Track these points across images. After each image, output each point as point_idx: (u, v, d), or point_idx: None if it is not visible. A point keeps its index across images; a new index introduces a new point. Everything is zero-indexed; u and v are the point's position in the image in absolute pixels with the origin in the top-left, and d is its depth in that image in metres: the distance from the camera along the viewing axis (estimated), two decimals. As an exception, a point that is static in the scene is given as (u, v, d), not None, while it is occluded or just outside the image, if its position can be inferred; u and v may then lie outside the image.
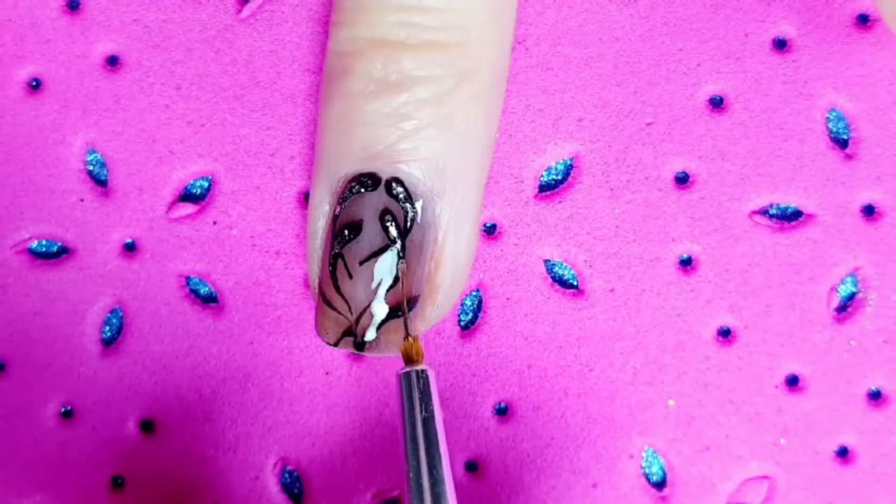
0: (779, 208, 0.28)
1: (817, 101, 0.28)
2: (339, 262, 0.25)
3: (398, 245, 0.25)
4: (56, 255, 0.29)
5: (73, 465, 0.29)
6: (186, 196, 0.29)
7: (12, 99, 0.29)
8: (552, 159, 0.29)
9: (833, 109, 0.28)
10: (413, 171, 0.25)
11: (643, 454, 0.29)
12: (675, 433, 0.28)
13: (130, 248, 0.29)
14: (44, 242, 0.29)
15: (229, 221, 0.29)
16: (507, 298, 0.29)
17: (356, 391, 0.29)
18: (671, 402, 0.28)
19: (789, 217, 0.28)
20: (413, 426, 0.24)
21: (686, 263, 0.29)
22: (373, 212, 0.25)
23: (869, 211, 0.28)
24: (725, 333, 0.29)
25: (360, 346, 0.25)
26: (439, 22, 0.24)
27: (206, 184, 0.29)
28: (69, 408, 0.29)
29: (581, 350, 0.29)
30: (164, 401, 0.29)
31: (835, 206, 0.28)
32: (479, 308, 0.29)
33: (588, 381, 0.29)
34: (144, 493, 0.29)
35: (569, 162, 0.29)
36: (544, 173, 0.29)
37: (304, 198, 0.29)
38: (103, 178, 0.29)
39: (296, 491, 0.29)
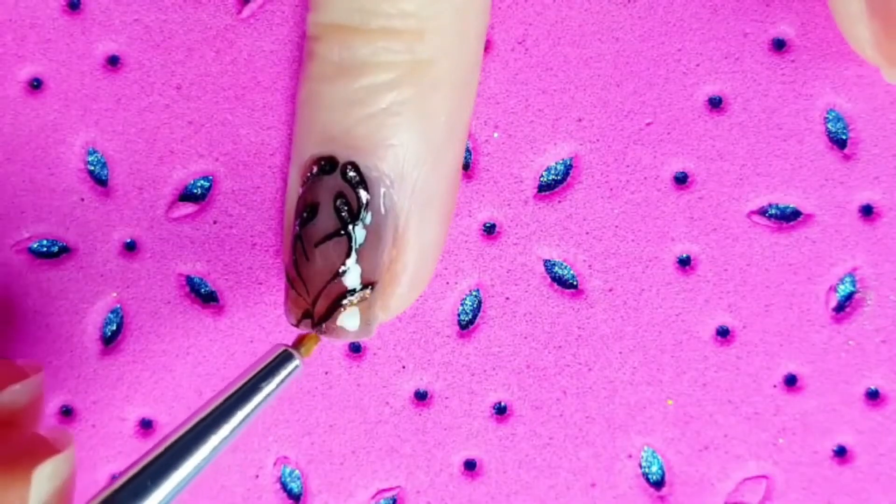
0: (777, 208, 0.29)
1: (816, 102, 0.28)
2: (298, 243, 0.25)
3: (350, 229, 0.25)
4: (56, 254, 0.29)
5: (73, 464, 0.29)
6: (187, 196, 0.29)
7: (13, 99, 0.29)
8: (552, 159, 0.29)
9: (832, 109, 0.28)
10: (367, 157, 0.25)
11: (642, 453, 0.29)
12: (673, 432, 0.29)
13: (131, 248, 0.29)
14: (44, 242, 0.29)
15: (229, 221, 0.29)
16: (507, 298, 0.29)
17: (355, 391, 0.29)
18: (670, 402, 0.29)
19: (788, 217, 0.29)
20: (251, 388, 0.24)
21: (685, 263, 0.29)
22: (328, 195, 0.25)
23: (867, 211, 0.28)
24: (724, 333, 0.29)
25: (318, 328, 0.25)
26: (396, 9, 0.24)
27: (206, 184, 0.29)
28: (69, 407, 0.29)
29: (580, 349, 0.29)
30: (163, 400, 0.29)
31: (833, 206, 0.28)
32: (478, 308, 0.29)
33: (587, 380, 0.29)
34: (144, 491, 0.29)
35: (568, 162, 0.29)
36: (544, 173, 0.29)
37: (304, 197, 0.29)
38: (104, 177, 0.29)
39: (295, 490, 0.29)
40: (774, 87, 0.28)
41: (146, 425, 0.29)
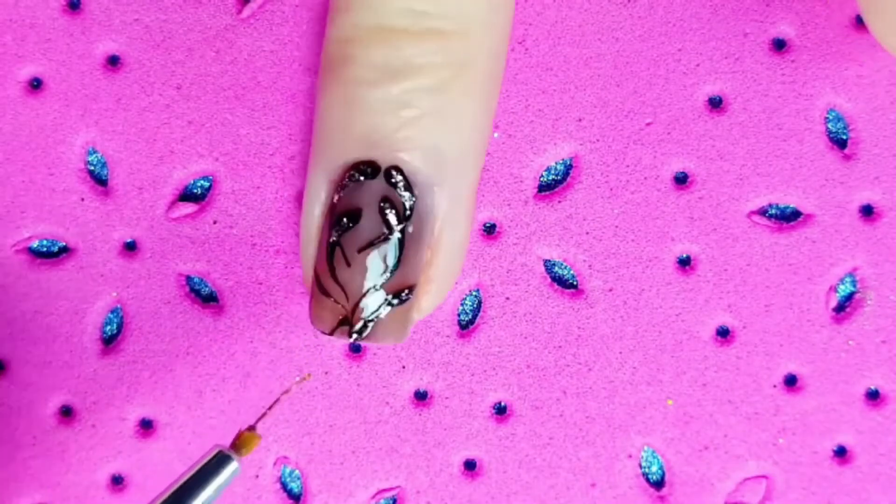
0: (777, 208, 0.29)
1: (816, 102, 0.28)
2: (337, 250, 0.25)
3: (397, 234, 0.25)
4: (57, 254, 0.29)
5: (72, 464, 0.29)
6: (187, 196, 0.29)
7: (13, 99, 0.29)
8: (552, 159, 0.29)
9: (832, 109, 0.28)
10: (413, 160, 0.25)
11: (642, 453, 0.29)
12: (673, 432, 0.29)
13: (131, 248, 0.29)
14: (44, 242, 0.29)
15: (229, 221, 0.29)
16: (507, 298, 0.29)
17: (355, 391, 0.29)
18: (670, 402, 0.29)
19: (788, 217, 0.29)
20: (186, 494, 0.23)
21: (685, 263, 0.29)
22: (372, 200, 0.25)
23: (867, 211, 0.28)
24: (724, 333, 0.29)
25: (357, 335, 0.25)
26: (441, 10, 0.24)
27: (206, 184, 0.29)
28: (69, 407, 0.29)
29: (580, 349, 0.29)
30: (163, 399, 0.29)
31: (833, 207, 0.28)
32: (478, 308, 0.29)
33: (587, 380, 0.29)
34: (144, 492, 0.29)
35: (568, 162, 0.29)
36: (544, 173, 0.29)
37: (304, 197, 0.29)
38: (104, 177, 0.29)
39: (295, 490, 0.29)
40: (774, 87, 0.28)
41: (146, 425, 0.29)
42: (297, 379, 0.25)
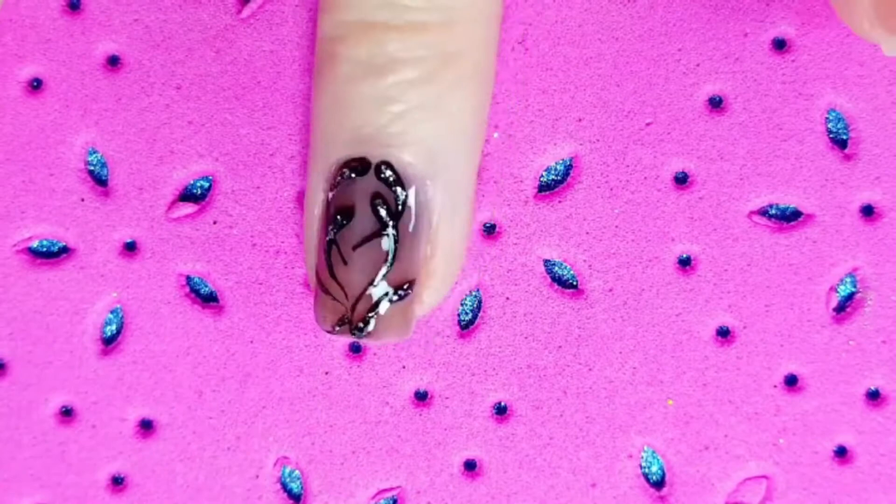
0: (778, 208, 0.29)
1: (817, 102, 0.28)
2: (334, 248, 0.25)
3: (390, 229, 0.25)
4: (57, 254, 0.29)
5: (73, 465, 0.29)
6: (187, 196, 0.29)
7: (13, 99, 0.29)
8: (551, 159, 0.29)
9: (832, 109, 0.28)
10: (402, 154, 0.24)
11: (642, 454, 0.29)
12: (673, 433, 0.29)
13: (131, 248, 0.29)
14: (44, 242, 0.29)
15: (229, 221, 0.29)
16: (507, 298, 0.29)
17: (356, 391, 0.29)
18: (670, 402, 0.29)
19: (788, 217, 0.28)
20: None
21: (685, 263, 0.29)
22: (364, 196, 0.25)
23: (868, 211, 0.28)
24: (724, 333, 0.29)
25: (358, 332, 0.25)
26: (422, 2, 0.24)
27: (206, 184, 0.29)
28: (69, 407, 0.29)
29: (580, 350, 0.29)
30: (163, 400, 0.29)
31: (834, 207, 0.28)
32: (478, 308, 0.29)
33: (587, 380, 0.29)
34: (144, 492, 0.29)
35: (568, 162, 0.29)
36: (544, 173, 0.29)
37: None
38: (104, 177, 0.29)
39: (295, 490, 0.29)
40: (775, 87, 0.28)
41: (146, 425, 0.29)
42: None
